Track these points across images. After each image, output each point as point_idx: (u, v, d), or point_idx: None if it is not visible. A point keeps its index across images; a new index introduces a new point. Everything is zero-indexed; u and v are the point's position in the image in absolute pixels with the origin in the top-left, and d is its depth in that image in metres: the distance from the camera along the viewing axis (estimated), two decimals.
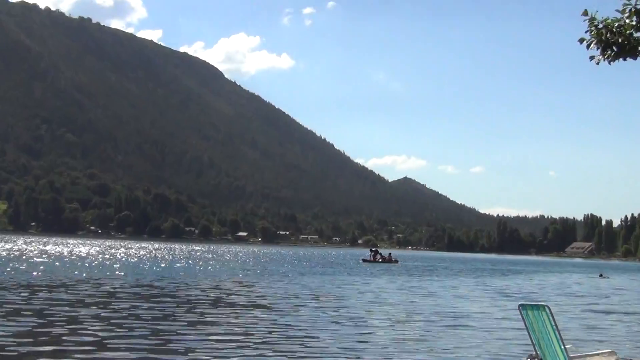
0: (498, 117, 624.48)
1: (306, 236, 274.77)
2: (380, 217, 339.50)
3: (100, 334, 11.17)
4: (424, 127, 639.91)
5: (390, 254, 64.02)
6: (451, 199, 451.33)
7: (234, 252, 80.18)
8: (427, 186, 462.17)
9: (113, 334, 11.20)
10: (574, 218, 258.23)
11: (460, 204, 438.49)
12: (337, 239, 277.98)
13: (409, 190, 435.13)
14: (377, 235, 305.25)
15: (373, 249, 63.21)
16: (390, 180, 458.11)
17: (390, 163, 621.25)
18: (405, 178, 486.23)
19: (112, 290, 18.63)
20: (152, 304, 15.92)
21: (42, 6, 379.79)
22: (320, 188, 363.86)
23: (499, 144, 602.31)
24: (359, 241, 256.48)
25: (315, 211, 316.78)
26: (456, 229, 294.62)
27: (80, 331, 11.33)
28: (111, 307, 14.63)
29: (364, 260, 59.11)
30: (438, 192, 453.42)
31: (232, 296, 19.39)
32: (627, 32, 6.33)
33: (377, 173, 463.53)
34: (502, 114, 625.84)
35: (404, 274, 38.96)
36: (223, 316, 14.40)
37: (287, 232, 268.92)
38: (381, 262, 58.51)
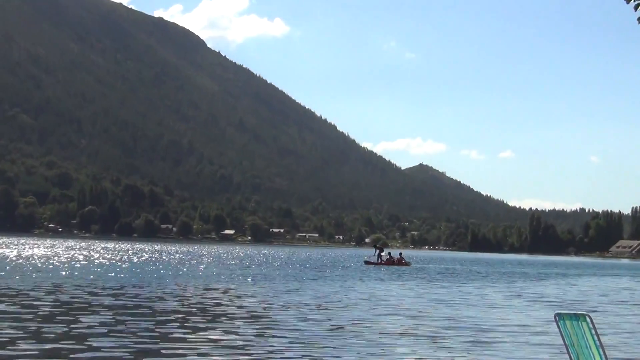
0: (531, 93, 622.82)
1: (304, 234, 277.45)
2: (391, 212, 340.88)
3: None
4: (443, 105, 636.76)
5: (401, 254, 63.35)
6: (475, 190, 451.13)
7: (215, 254, 79.08)
8: (447, 174, 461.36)
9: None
10: (619, 212, 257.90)
11: (486, 195, 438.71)
12: (341, 237, 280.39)
13: (425, 180, 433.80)
14: (388, 233, 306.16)
15: (378, 246, 61.91)
16: (403, 168, 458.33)
17: (403, 147, 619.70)
18: (420, 165, 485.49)
19: (34, 302, 17.74)
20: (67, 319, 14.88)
21: None
22: (321, 178, 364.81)
23: (532, 125, 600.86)
24: (367, 240, 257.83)
25: (315, 205, 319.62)
26: (481, 225, 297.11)
27: None
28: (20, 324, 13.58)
29: (367, 262, 58.53)
30: (460, 182, 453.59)
31: (205, 306, 18.54)
32: None
33: (387, 159, 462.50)
34: (536, 90, 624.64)
35: (418, 279, 38.45)
36: (183, 332, 13.50)
37: (282, 230, 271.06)
38: (387, 263, 57.91)
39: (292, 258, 73.44)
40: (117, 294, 21.06)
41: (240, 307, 18.95)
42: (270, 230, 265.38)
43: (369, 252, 61.78)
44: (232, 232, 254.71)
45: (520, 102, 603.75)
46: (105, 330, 13.18)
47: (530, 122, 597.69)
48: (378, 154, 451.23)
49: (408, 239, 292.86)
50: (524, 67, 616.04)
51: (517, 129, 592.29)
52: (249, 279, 31.21)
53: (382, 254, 60.27)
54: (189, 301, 19.79)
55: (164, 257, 56.51)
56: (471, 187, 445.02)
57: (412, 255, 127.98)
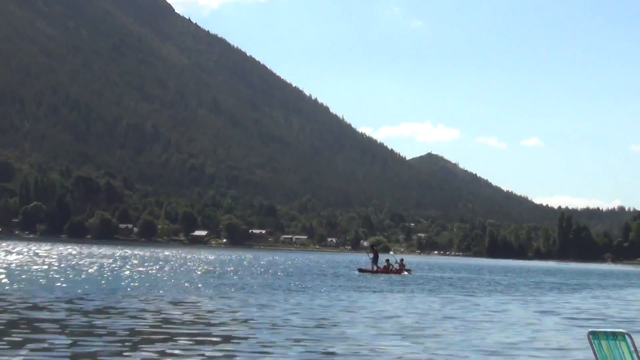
0: (562, 70, 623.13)
1: (290, 237, 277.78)
2: (394, 210, 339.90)
3: None
4: (456, 83, 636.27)
5: (401, 260, 62.32)
6: (494, 185, 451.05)
7: (181, 259, 78.49)
8: (461, 166, 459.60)
9: None
10: None
11: (507, 191, 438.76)
12: (334, 240, 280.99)
13: (435, 172, 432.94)
14: (390, 235, 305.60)
15: (370, 253, 60.70)
16: (408, 158, 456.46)
17: (408, 134, 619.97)
18: (429, 155, 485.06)
19: None
20: None
21: None
22: (311, 169, 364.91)
23: (562, 108, 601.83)
24: (364, 243, 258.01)
25: (303, 201, 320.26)
26: (501, 226, 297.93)
27: None
28: None
29: (361, 271, 58.25)
30: (476, 175, 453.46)
31: (154, 324, 17.87)
32: None
33: (390, 148, 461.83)
34: (568, 66, 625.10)
35: (425, 291, 38.29)
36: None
37: (263, 231, 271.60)
38: (384, 271, 57.49)
39: (274, 264, 73.24)
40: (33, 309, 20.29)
41: (198, 323, 18.64)
42: (250, 231, 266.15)
43: (367, 259, 60.76)
44: (204, 233, 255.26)
45: (548, 81, 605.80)
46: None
47: (560, 105, 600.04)
48: (379, 142, 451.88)
49: (414, 242, 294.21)
50: (554, 39, 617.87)
51: (544, 112, 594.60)
52: (213, 290, 31.06)
53: (376, 261, 59.39)
54: (134, 319, 19.17)
55: (117, 264, 55.41)
56: (489, 181, 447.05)
57: (419, 262, 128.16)
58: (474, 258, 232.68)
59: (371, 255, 59.91)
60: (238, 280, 39.29)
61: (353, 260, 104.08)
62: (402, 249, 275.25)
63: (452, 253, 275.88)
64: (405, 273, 58.68)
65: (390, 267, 58.96)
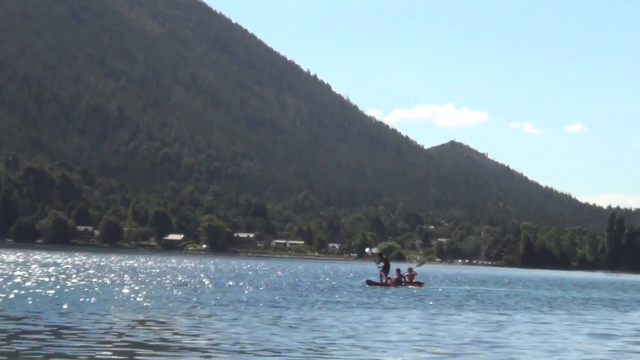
0: (610, 46, 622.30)
1: (283, 242, 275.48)
2: (409, 210, 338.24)
3: None
4: (484, 59, 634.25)
5: (411, 269, 62.44)
6: (530, 179, 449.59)
7: (148, 268, 78.50)
8: (490, 157, 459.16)
9: None
10: None
11: (546, 187, 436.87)
12: (337, 246, 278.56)
13: (458, 164, 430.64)
14: (405, 240, 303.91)
15: (381, 262, 59.30)
16: (426, 147, 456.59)
17: (426, 118, 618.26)
18: (452, 143, 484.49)
19: None
20: None
21: None
22: (308, 160, 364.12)
23: (610, 89, 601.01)
24: (373, 250, 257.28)
25: (300, 199, 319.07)
26: (539, 229, 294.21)
27: None
28: None
29: (370, 283, 58.58)
30: (508, 168, 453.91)
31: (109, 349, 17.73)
32: None
33: (404, 134, 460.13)
34: (617, 41, 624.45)
35: (445, 307, 38.35)
36: None
37: (251, 235, 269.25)
38: (394, 283, 58.12)
39: (262, 274, 73.43)
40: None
41: (164, 345, 18.73)
42: (235, 235, 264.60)
43: (377, 269, 60.47)
44: (179, 237, 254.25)
45: (595, 57, 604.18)
46: None
47: (609, 84, 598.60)
48: (390, 127, 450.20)
49: (433, 249, 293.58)
50: (600, 9, 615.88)
51: (590, 93, 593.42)
52: (187, 305, 31.20)
53: (387, 271, 59.30)
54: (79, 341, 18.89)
55: (65, 274, 54.60)
56: (524, 174, 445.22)
57: (439, 272, 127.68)
58: (505, 268, 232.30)
59: (381, 264, 59.33)
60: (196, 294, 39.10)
61: (360, 271, 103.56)
62: (418, 257, 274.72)
63: (480, 262, 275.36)
64: (416, 284, 59.27)
65: (402, 279, 59.09)
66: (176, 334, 21.69)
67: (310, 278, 71.27)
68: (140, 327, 22.70)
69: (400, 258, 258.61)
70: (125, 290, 38.26)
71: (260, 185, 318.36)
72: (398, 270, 59.83)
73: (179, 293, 38.69)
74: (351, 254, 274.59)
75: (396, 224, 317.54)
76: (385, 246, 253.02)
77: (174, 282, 49.24)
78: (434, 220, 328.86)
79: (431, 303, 40.56)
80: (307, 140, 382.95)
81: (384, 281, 57.85)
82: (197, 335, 21.33)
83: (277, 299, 37.61)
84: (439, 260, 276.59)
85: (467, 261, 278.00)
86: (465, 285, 71.16)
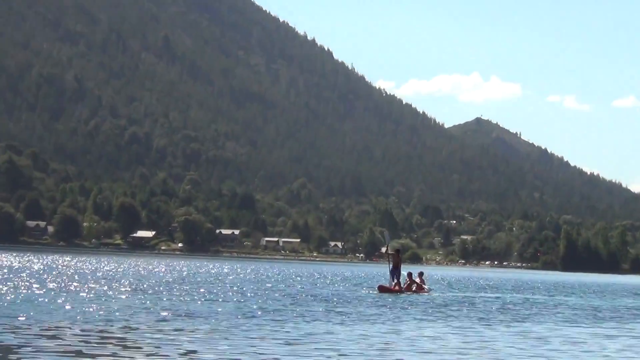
0: None
1: (275, 239, 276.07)
2: (426, 202, 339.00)
3: None
4: (517, 21, 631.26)
5: (421, 274, 64.31)
6: (572, 164, 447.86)
7: (106, 272, 77.18)
8: (524, 137, 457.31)
9: None
10: None
11: (592, 173, 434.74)
12: (339, 245, 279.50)
13: (485, 147, 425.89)
14: (422, 237, 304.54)
15: (392, 262, 59.97)
16: (447, 126, 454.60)
17: (447, 90, 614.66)
18: (477, 121, 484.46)
19: None
20: None
21: None
22: (305, 142, 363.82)
23: None
24: (382, 249, 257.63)
25: (295, 188, 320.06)
26: (583, 225, 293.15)
27: None
28: None
29: (382, 289, 59.00)
30: (546, 150, 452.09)
31: None
32: None
33: (420, 110, 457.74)
34: None
35: (473, 320, 38.20)
36: None
37: (237, 232, 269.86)
38: (407, 289, 59.87)
39: (249, 278, 72.85)
40: None
41: None
42: (217, 232, 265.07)
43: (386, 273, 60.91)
44: (150, 234, 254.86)
45: None
46: None
47: None
48: (404, 102, 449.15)
49: (456, 248, 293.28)
50: None
51: None
52: (152, 318, 31.21)
53: (396, 274, 60.09)
54: None
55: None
56: (565, 159, 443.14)
57: (461, 276, 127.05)
58: (543, 271, 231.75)
59: (391, 264, 60.03)
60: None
61: (370, 275, 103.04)
62: (438, 258, 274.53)
63: (511, 263, 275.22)
64: (423, 291, 60.63)
65: (414, 284, 60.49)
66: None
67: (302, 283, 70.45)
68: None
69: (416, 259, 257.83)
70: None
71: (248, 171, 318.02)
72: (409, 275, 61.24)
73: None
74: (357, 255, 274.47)
75: (411, 218, 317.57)
76: (397, 245, 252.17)
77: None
78: (456, 214, 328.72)
79: (455, 312, 40.39)
80: (304, 117, 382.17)
81: (393, 286, 58.41)
82: None
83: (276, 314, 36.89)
84: (462, 262, 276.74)
85: (496, 263, 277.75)
86: (500, 292, 70.76)
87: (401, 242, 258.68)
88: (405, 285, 59.55)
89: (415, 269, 72.45)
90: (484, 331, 32.78)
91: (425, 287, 62.28)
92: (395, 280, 58.88)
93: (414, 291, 59.35)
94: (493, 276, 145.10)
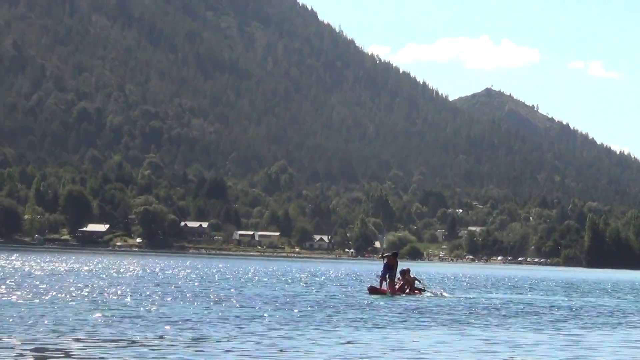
0: None
1: (251, 233, 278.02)
2: (428, 187, 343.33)
3: None
4: None
5: (408, 270, 67.17)
6: (599, 142, 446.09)
7: (51, 272, 78.46)
8: (542, 111, 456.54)
9: None
10: None
11: (620, 152, 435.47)
12: (326, 239, 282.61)
13: (497, 121, 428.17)
14: (424, 228, 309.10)
15: (384, 254, 64.62)
16: (452, 98, 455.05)
17: (452, 56, 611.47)
18: (488, 92, 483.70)
19: None
20: None
21: None
22: (285, 118, 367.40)
23: None
24: (375, 244, 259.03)
25: (273, 173, 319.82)
26: (611, 213, 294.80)
27: None
28: None
29: (373, 290, 62.54)
30: (567, 125, 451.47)
31: None
32: None
33: (420, 80, 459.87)
34: None
35: (483, 327, 41.30)
36: None
37: (205, 225, 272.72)
38: (400, 290, 63.55)
39: (215, 281, 76.21)
40: None
41: None
42: (182, 224, 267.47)
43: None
44: (103, 228, 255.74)
45: None
46: None
47: None
48: (402, 70, 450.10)
49: (462, 241, 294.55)
50: None
51: None
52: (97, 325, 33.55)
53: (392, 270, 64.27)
54: None
55: None
56: (590, 136, 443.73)
57: (468, 274, 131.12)
58: (565, 268, 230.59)
59: (385, 262, 64.18)
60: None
61: (363, 274, 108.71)
62: (441, 253, 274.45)
63: (528, 259, 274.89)
64: (417, 291, 64.52)
65: (407, 285, 64.67)
66: None
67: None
68: None
69: (416, 255, 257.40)
70: None
71: (218, 153, 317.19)
72: (404, 272, 65.50)
73: None
74: (346, 250, 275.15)
75: (410, 206, 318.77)
76: (394, 238, 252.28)
77: None
78: (463, 202, 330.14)
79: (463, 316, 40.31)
80: (283, 89, 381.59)
81: (382, 286, 63.16)
82: None
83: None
84: (470, 257, 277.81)
85: (509, 258, 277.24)
86: (516, 292, 74.02)
87: (398, 235, 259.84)
88: (398, 286, 63.35)
89: (415, 267, 76.90)
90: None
91: (421, 285, 65.48)
92: (389, 280, 63.17)
93: (407, 293, 63.47)
94: (516, 274, 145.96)
